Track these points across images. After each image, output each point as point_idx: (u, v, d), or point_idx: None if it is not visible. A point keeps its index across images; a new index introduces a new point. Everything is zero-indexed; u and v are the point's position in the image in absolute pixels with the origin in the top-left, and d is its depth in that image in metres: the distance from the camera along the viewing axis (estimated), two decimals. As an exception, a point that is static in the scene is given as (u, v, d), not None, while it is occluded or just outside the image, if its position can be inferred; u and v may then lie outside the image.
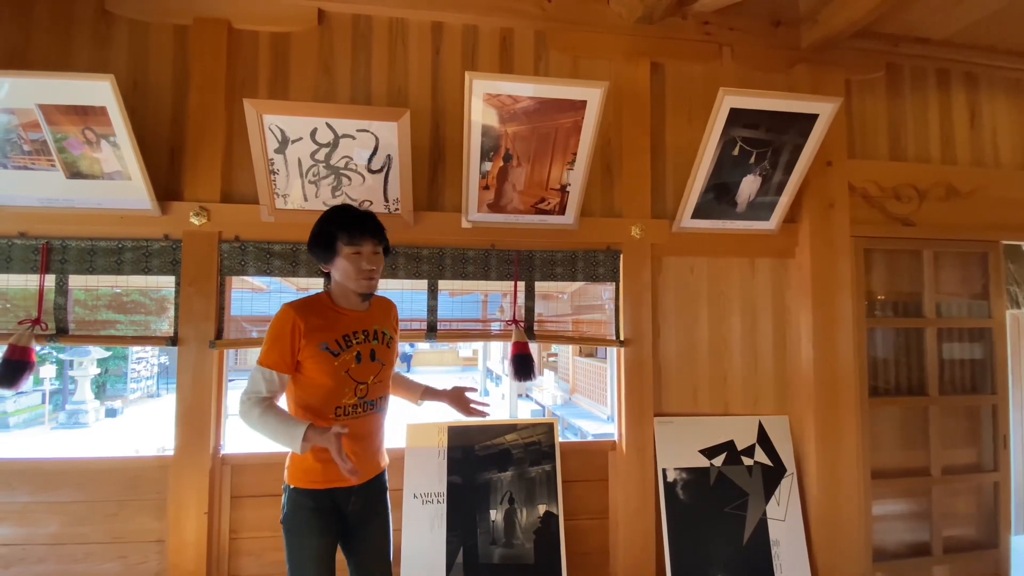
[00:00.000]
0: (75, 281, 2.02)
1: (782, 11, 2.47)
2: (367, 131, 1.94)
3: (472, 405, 1.91)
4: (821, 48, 2.44)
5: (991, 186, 2.61)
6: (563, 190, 2.16)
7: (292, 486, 1.54)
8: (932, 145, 2.64)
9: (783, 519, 2.30)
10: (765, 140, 2.15)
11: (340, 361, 1.53)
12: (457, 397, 1.90)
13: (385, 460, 1.73)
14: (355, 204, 2.05)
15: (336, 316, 1.57)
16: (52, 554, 1.98)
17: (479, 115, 1.95)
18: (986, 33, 2.52)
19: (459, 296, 2.38)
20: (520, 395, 12.57)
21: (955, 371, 2.65)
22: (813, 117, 2.12)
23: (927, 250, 2.57)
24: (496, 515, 2.15)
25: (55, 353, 12.45)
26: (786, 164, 2.22)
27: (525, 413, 11.70)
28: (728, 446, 2.35)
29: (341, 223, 1.54)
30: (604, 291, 2.41)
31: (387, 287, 2.18)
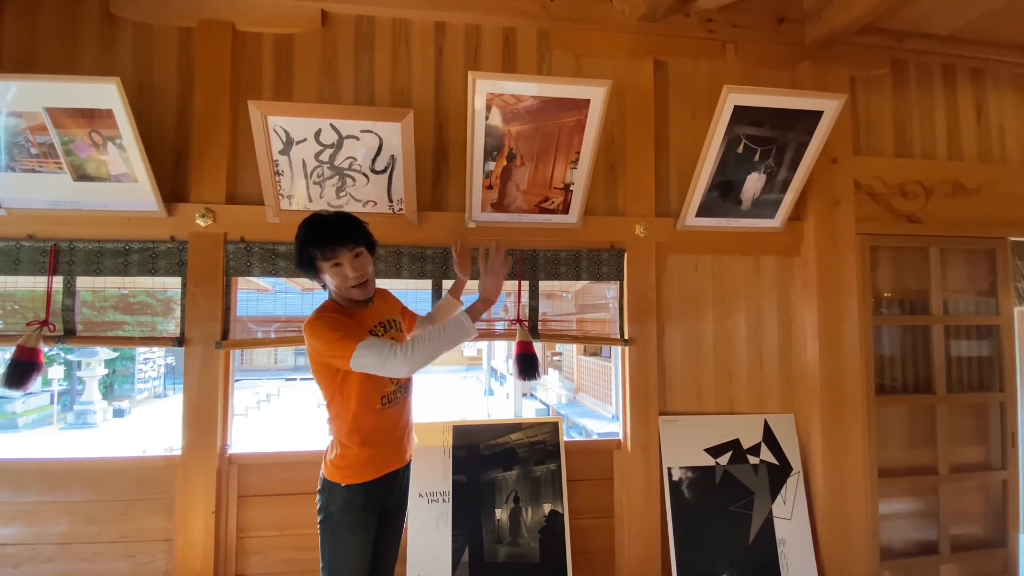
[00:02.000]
0: (82, 283, 2.04)
1: (786, 8, 2.46)
2: (371, 132, 1.94)
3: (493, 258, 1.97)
4: (825, 45, 2.42)
5: (998, 182, 2.60)
6: (567, 189, 2.16)
7: (343, 484, 1.56)
8: (938, 141, 2.63)
9: (789, 518, 2.29)
10: (770, 138, 2.14)
11: None
12: (484, 265, 1.94)
13: (415, 441, 1.81)
14: (360, 204, 2.06)
15: (353, 316, 1.59)
16: (61, 553, 2.00)
17: (482, 115, 1.95)
18: (992, 28, 2.50)
19: (463, 295, 2.38)
20: (524, 394, 12.59)
21: (962, 369, 2.63)
22: (818, 114, 2.11)
23: (934, 247, 2.56)
24: (501, 514, 2.16)
25: (63, 354, 12.56)
26: (791, 161, 2.21)
27: (530, 412, 11.73)
28: (733, 445, 2.34)
29: (312, 240, 1.52)
30: (608, 290, 2.41)
31: (392, 287, 2.18)
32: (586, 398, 11.06)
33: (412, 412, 1.77)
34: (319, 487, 1.62)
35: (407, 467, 1.75)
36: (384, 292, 1.87)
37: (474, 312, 1.58)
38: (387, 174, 2.03)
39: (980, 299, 2.67)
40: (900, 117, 2.59)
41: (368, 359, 1.45)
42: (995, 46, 2.61)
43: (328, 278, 1.55)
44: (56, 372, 12.28)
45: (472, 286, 2.07)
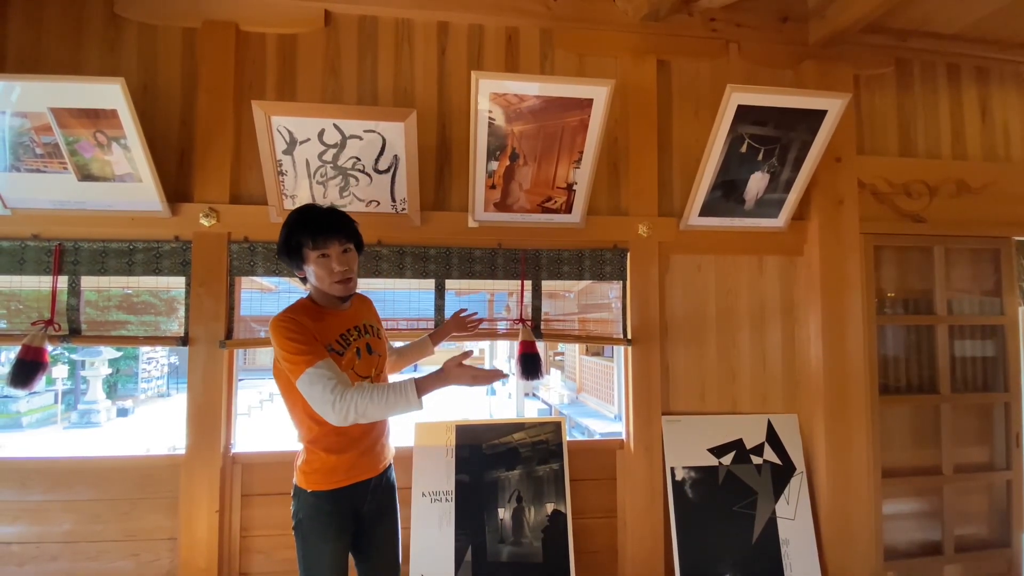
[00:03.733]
0: (87, 282, 2.05)
1: (789, 7, 2.45)
2: (374, 131, 1.95)
3: (469, 322, 2.06)
4: (829, 43, 2.42)
5: (1003, 181, 2.59)
6: (570, 189, 2.15)
7: (309, 490, 1.51)
8: (943, 140, 2.62)
9: (793, 518, 2.29)
10: (773, 137, 2.13)
11: (346, 360, 1.51)
12: (456, 323, 2.06)
13: (391, 451, 1.73)
14: (363, 204, 2.07)
15: (326, 318, 1.52)
16: (66, 551, 2.01)
17: (485, 114, 1.95)
18: (997, 27, 2.49)
19: (466, 295, 2.39)
20: (527, 394, 12.60)
21: (967, 369, 2.62)
22: (821, 113, 2.10)
23: (938, 247, 2.55)
24: (504, 513, 2.16)
25: (67, 354, 12.60)
26: (794, 161, 2.21)
27: (532, 412, 11.73)
28: (737, 445, 2.34)
29: (303, 227, 1.47)
30: (611, 290, 2.41)
31: (395, 286, 2.20)
32: (588, 398, 11.06)
33: (388, 421, 1.68)
34: (292, 492, 1.56)
35: (384, 475, 1.65)
36: (364, 298, 1.76)
37: (425, 383, 1.40)
38: (390, 174, 2.03)
39: (984, 299, 2.66)
40: (904, 116, 2.58)
41: (311, 388, 1.36)
42: (1000, 45, 2.60)
43: (312, 269, 1.48)
44: (60, 371, 12.33)
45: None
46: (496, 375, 1.46)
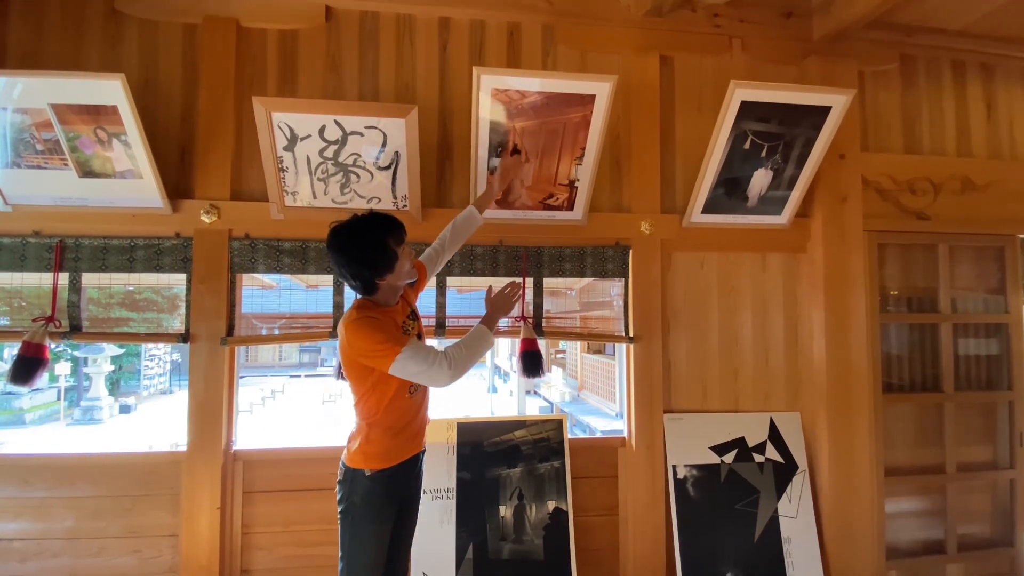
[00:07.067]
0: (88, 279, 2.05)
1: (793, 2, 2.43)
2: (375, 128, 1.94)
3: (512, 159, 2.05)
4: (833, 39, 2.40)
5: (1008, 179, 2.57)
6: (571, 185, 2.14)
7: (368, 471, 1.57)
8: (947, 138, 2.60)
9: (795, 516, 2.28)
10: (776, 133, 2.12)
11: None
12: (502, 171, 2.03)
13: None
14: (364, 201, 2.06)
15: (386, 313, 1.59)
16: (68, 548, 2.02)
17: (487, 111, 1.94)
18: (1003, 23, 2.46)
19: (467, 293, 2.38)
20: (528, 392, 12.60)
21: (970, 367, 2.61)
22: (826, 110, 2.09)
23: (942, 244, 2.53)
24: (505, 511, 2.15)
25: (70, 351, 12.65)
26: (798, 158, 2.20)
27: (533, 410, 11.74)
28: (739, 443, 2.33)
29: (390, 229, 1.55)
30: (613, 287, 2.40)
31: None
32: (590, 396, 11.05)
33: (429, 403, 1.79)
34: (340, 478, 1.61)
35: (423, 452, 1.76)
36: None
37: (490, 323, 1.72)
38: (391, 170, 2.03)
39: (989, 297, 2.64)
40: (909, 113, 2.57)
41: (412, 367, 1.48)
42: (1005, 41, 2.58)
43: (398, 265, 1.55)
44: (63, 368, 12.39)
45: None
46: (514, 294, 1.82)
